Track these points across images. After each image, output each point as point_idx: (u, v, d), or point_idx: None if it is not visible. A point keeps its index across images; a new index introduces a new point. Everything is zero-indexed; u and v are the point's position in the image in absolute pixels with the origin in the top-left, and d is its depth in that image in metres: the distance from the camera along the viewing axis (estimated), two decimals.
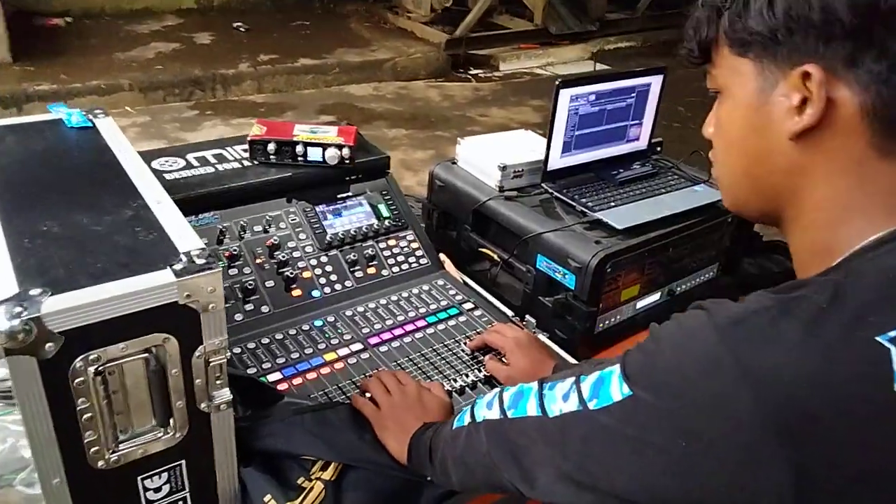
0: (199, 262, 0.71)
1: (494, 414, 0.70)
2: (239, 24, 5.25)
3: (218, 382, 0.76)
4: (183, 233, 0.77)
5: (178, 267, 0.69)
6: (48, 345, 0.64)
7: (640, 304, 1.38)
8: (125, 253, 0.72)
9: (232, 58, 4.58)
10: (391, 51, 5.19)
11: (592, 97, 1.40)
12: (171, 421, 0.75)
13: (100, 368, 0.67)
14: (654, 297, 1.40)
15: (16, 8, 4.42)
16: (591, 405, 0.58)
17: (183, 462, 0.78)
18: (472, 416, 0.73)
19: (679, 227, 1.33)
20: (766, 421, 0.47)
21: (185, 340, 0.72)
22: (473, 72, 5.27)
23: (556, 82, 1.34)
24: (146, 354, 0.70)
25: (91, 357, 0.67)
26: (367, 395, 0.95)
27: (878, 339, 0.48)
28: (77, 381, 0.67)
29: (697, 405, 0.50)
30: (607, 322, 1.31)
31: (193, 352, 0.73)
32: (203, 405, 0.76)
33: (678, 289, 1.44)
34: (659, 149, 1.61)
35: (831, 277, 0.53)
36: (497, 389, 0.73)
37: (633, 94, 1.47)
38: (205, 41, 4.90)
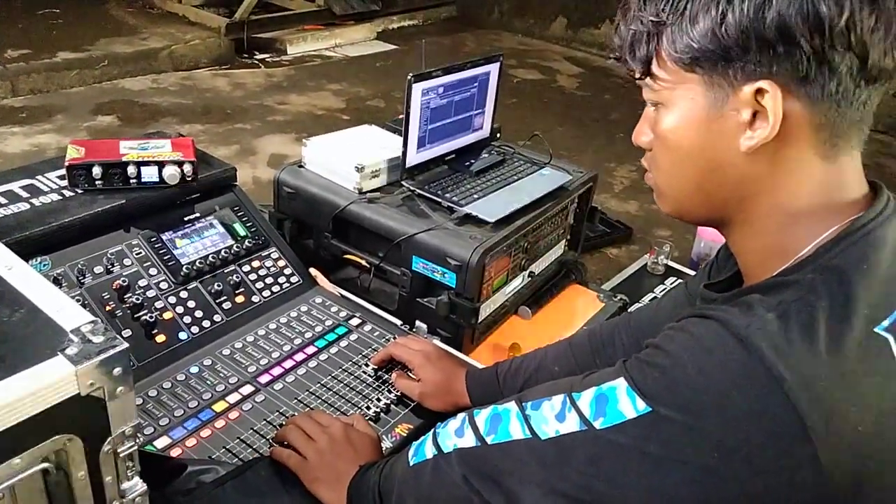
0: (97, 339, 0.58)
1: (468, 441, 0.66)
2: None
3: (129, 474, 0.64)
4: (57, 303, 0.63)
5: (72, 352, 0.57)
6: None
7: (508, 289, 1.41)
8: None
9: None
10: (165, 38, 4.74)
11: (441, 89, 1.39)
12: None
13: None
14: (517, 281, 1.44)
15: None
16: (598, 424, 0.57)
17: None
18: (437, 447, 0.69)
19: (538, 213, 1.38)
20: (803, 428, 0.50)
21: (90, 437, 0.59)
22: (260, 57, 5.00)
23: (409, 77, 1.31)
24: (45, 464, 0.57)
25: None
26: (285, 444, 0.86)
27: (876, 330, 0.53)
28: None
29: (732, 419, 0.51)
30: (484, 313, 1.33)
31: (101, 446, 0.60)
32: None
33: (536, 269, 1.50)
34: (498, 135, 1.64)
35: (810, 277, 0.56)
36: (463, 416, 0.69)
37: (475, 84, 1.48)
38: None
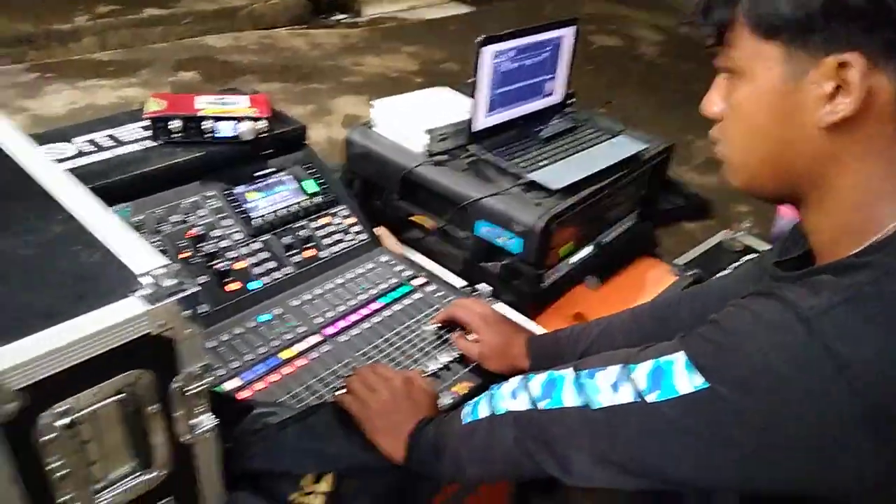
0: (169, 283, 0.62)
1: (522, 405, 0.67)
2: None
3: (198, 410, 0.68)
4: (134, 247, 0.66)
5: (145, 293, 0.60)
6: (8, 406, 0.53)
7: (575, 258, 1.39)
8: (73, 282, 0.61)
9: (65, 10, 4.06)
10: None
11: (513, 53, 1.36)
12: (153, 460, 0.66)
13: (69, 421, 0.57)
14: (586, 251, 1.42)
15: None
16: (652, 397, 0.56)
17: (171, 498, 0.69)
18: (491, 407, 0.70)
19: (607, 182, 1.35)
20: (863, 414, 0.48)
21: (161, 373, 0.63)
22: (337, 17, 5.04)
23: (477, 40, 1.29)
24: (120, 395, 0.60)
25: (59, 410, 0.56)
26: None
27: None
28: (44, 439, 0.56)
29: (789, 401, 0.50)
30: (548, 280, 1.32)
31: (171, 382, 0.64)
32: (185, 437, 0.68)
33: (604, 240, 1.47)
34: (572, 101, 1.61)
35: (887, 260, 0.54)
36: (519, 379, 0.70)
37: (548, 48, 1.45)
38: None
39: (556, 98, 1.55)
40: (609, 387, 0.60)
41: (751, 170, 0.65)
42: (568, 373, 0.64)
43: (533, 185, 1.28)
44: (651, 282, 1.48)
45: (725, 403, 0.53)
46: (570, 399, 0.63)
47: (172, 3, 4.51)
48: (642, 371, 0.58)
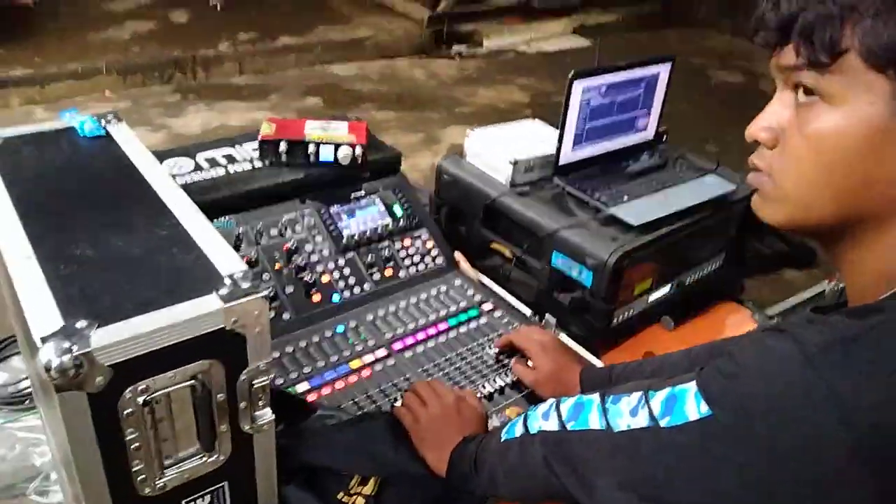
0: (245, 285, 0.70)
1: (552, 426, 0.70)
2: (215, 1, 5.11)
3: (261, 403, 0.76)
4: (222, 252, 0.75)
5: (224, 292, 0.68)
6: (98, 379, 0.63)
7: (652, 297, 1.39)
8: (167, 278, 0.71)
9: (210, 37, 4.47)
10: (371, 27, 5.11)
11: (604, 89, 1.39)
12: (216, 444, 0.74)
13: (148, 399, 0.67)
14: (665, 290, 1.41)
15: None
16: (664, 422, 0.58)
17: (226, 483, 0.77)
18: (526, 427, 0.74)
19: (690, 221, 1.34)
20: (854, 448, 0.49)
21: (230, 365, 0.71)
22: (457, 48, 5.22)
23: (570, 75, 1.33)
24: (193, 381, 0.69)
25: (140, 388, 0.66)
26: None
27: None
28: (126, 412, 0.66)
29: (787, 431, 0.51)
30: (621, 317, 1.32)
31: (238, 375, 0.72)
32: (246, 427, 0.75)
33: (688, 279, 1.46)
34: (665, 137, 1.61)
35: None
36: (552, 401, 0.73)
37: (642, 84, 1.46)
38: (181, 20, 4.77)
39: (648, 134, 1.56)
40: (629, 412, 0.62)
41: (808, 206, 0.60)
42: (595, 397, 0.67)
43: (612, 220, 1.30)
44: (730, 327, 1.45)
45: (728, 430, 0.54)
46: (594, 422, 0.65)
47: (306, 32, 4.85)
48: (659, 398, 0.60)
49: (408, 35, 5.14)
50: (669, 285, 1.42)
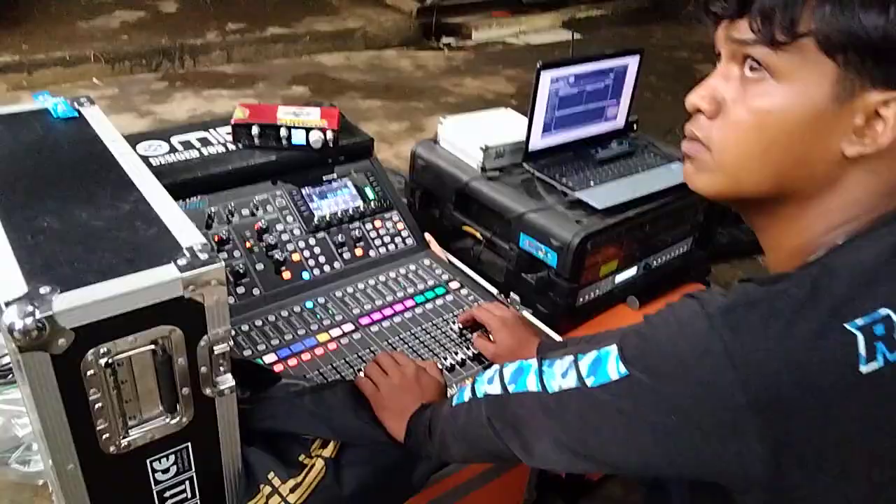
0: (203, 256, 0.73)
1: (495, 389, 0.74)
2: None
3: (221, 369, 0.79)
4: (182, 227, 0.78)
5: (182, 262, 0.72)
6: (60, 340, 0.66)
7: (619, 278, 1.43)
8: (128, 249, 0.74)
9: (199, 27, 4.47)
10: (361, 19, 5.11)
11: (572, 79, 1.43)
12: (178, 407, 0.78)
13: (109, 361, 0.70)
14: (632, 272, 1.45)
15: None
16: (589, 382, 0.62)
17: (189, 444, 0.81)
18: (473, 392, 0.77)
19: (656, 206, 1.38)
20: (749, 402, 0.52)
21: (190, 331, 0.74)
22: (446, 40, 5.23)
23: (538, 65, 1.37)
24: (153, 346, 0.72)
25: (101, 351, 0.69)
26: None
27: (846, 326, 0.53)
28: (88, 373, 0.69)
29: (689, 386, 0.55)
30: (587, 296, 1.36)
31: (198, 341, 0.75)
32: (207, 391, 0.79)
33: (654, 262, 1.50)
34: (635, 126, 1.64)
35: (809, 272, 0.57)
36: (497, 366, 0.76)
37: (611, 75, 1.50)
38: (170, 9, 4.77)
39: (618, 123, 1.59)
40: (560, 374, 0.65)
41: (742, 179, 0.62)
42: (534, 362, 0.70)
43: (579, 204, 1.34)
44: None
45: (641, 388, 0.57)
46: (532, 384, 0.69)
47: (294, 23, 4.85)
48: (587, 360, 0.63)
49: (397, 27, 5.15)
50: (636, 267, 1.46)
